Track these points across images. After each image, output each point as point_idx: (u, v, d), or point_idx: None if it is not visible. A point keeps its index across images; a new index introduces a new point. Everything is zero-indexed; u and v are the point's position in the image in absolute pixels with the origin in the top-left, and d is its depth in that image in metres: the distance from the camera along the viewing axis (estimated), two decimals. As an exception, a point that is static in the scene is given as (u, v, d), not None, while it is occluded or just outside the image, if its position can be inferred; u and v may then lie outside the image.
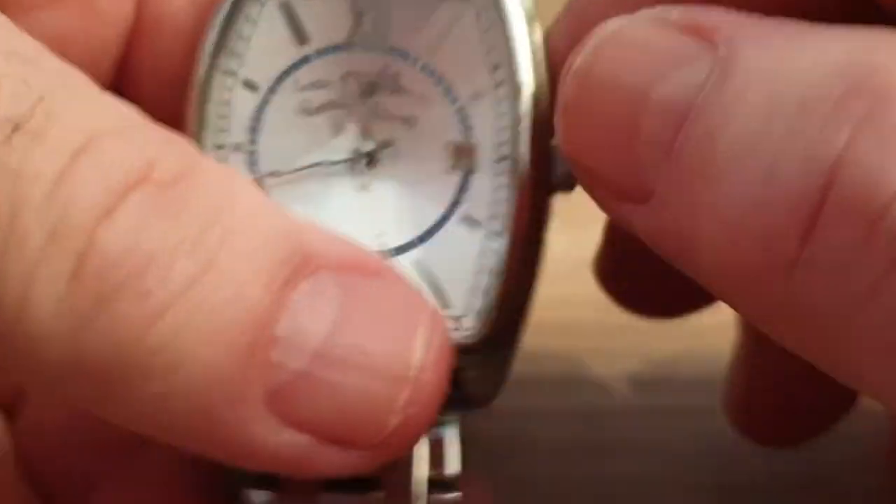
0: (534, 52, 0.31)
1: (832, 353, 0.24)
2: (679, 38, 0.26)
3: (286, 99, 0.31)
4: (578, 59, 0.27)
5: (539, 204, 0.31)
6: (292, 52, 0.32)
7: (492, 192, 0.31)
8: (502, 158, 0.31)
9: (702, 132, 0.25)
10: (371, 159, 0.31)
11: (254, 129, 0.31)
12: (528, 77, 0.30)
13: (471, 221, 0.31)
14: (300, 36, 0.32)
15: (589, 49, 0.27)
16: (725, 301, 0.26)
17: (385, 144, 0.31)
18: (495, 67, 0.31)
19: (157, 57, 0.32)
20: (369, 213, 0.31)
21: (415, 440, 0.27)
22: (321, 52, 0.31)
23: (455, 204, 0.31)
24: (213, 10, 0.31)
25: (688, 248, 0.25)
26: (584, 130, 0.27)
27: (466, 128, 0.31)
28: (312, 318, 0.25)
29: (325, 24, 0.32)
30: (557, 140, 0.28)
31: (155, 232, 0.24)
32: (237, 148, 0.31)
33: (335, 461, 0.26)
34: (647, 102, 0.26)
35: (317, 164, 0.31)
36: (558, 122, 0.28)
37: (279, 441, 0.25)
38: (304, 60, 0.31)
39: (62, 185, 0.24)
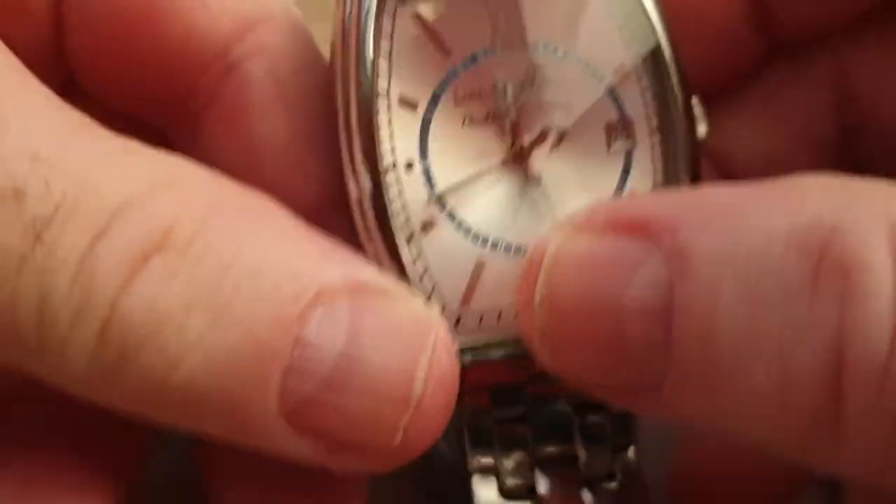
0: (664, 22, 0.32)
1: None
2: (619, 242, 0.28)
3: (448, 114, 0.32)
4: (537, 294, 0.29)
5: (695, 164, 0.32)
6: (440, 66, 0.32)
7: (652, 163, 0.32)
8: (654, 131, 0.32)
9: (695, 331, 0.26)
10: (533, 152, 0.32)
11: (423, 146, 0.32)
12: (670, 49, 0.32)
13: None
14: (442, 47, 0.32)
15: (542, 280, 0.29)
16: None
17: (547, 136, 0.32)
18: (630, 40, 0.32)
19: (92, 39, 0.32)
20: (543, 205, 0.32)
21: (424, 449, 0.29)
22: (467, 63, 0.32)
23: (623, 183, 0.33)
24: (338, 29, 0.31)
25: (719, 427, 0.28)
26: (569, 351, 0.29)
27: (619, 105, 0.33)
28: (321, 351, 0.28)
29: (463, 31, 0.32)
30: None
31: (171, 293, 0.27)
32: (409, 167, 0.32)
33: (352, 463, 0.29)
34: (622, 312, 0.28)
35: (486, 171, 0.32)
36: (538, 348, 0.29)
37: (302, 446, 0.28)
38: (454, 74, 0.32)
39: (83, 268, 0.26)
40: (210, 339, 0.27)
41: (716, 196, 0.27)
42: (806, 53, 0.36)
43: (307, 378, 0.28)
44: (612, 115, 0.33)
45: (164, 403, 0.27)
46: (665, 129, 0.33)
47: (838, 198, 0.26)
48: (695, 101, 0.33)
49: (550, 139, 0.33)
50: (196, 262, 0.27)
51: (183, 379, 0.27)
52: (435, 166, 0.32)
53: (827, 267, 0.25)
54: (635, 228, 0.27)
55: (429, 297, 0.31)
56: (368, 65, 0.31)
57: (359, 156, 0.31)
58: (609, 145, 0.33)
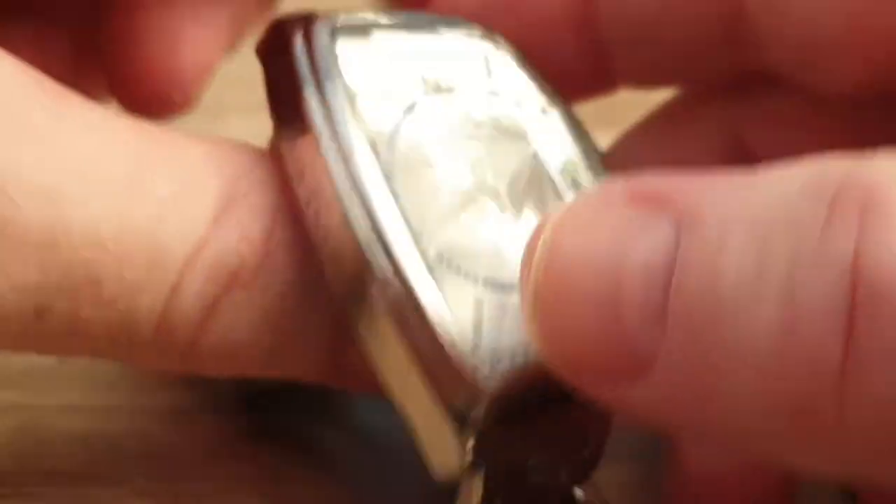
0: None
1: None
2: (629, 209, 0.27)
3: None
4: (538, 251, 0.28)
5: None
6: None
7: None
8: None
9: (696, 282, 0.26)
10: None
11: None
12: None
13: None
14: None
15: (546, 238, 0.28)
16: (752, 451, 0.27)
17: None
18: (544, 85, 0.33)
19: None
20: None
21: None
22: None
23: None
24: None
25: (708, 407, 0.26)
26: (561, 316, 0.28)
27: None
28: None
29: None
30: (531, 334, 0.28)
31: (242, 326, 0.28)
32: None
33: None
34: (623, 270, 0.27)
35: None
36: (528, 316, 0.28)
37: None
38: None
39: (162, 323, 0.27)
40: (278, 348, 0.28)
41: (731, 174, 0.26)
42: (702, 99, 0.37)
43: None
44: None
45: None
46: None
47: (853, 157, 0.25)
48: None
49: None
50: (263, 291, 0.28)
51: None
52: None
53: (843, 203, 0.24)
54: (647, 199, 0.27)
55: None
56: None
57: None
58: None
